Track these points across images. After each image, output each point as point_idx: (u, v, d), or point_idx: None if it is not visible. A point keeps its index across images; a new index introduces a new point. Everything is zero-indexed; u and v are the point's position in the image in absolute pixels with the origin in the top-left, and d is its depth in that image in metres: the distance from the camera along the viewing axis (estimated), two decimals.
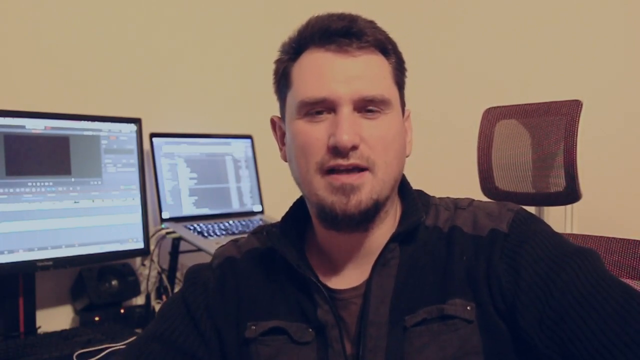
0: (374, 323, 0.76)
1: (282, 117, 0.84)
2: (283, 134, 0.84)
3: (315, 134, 0.75)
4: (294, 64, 0.80)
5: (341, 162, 0.74)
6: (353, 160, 0.74)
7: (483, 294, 0.74)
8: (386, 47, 0.79)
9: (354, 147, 0.73)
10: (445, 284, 0.76)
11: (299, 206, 0.87)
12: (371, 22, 0.79)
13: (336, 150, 0.73)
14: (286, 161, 0.84)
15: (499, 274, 0.74)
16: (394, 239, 0.78)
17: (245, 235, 0.93)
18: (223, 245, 0.92)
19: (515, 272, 0.73)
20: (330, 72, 0.76)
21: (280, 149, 0.86)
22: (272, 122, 0.88)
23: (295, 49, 0.80)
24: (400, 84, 0.82)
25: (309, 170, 0.76)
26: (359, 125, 0.75)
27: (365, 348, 0.75)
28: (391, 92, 0.78)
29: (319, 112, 0.76)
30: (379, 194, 0.75)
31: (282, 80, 0.82)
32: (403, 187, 0.85)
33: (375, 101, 0.76)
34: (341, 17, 0.78)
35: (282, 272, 0.83)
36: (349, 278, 0.81)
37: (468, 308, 0.74)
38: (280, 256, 0.82)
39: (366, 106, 0.76)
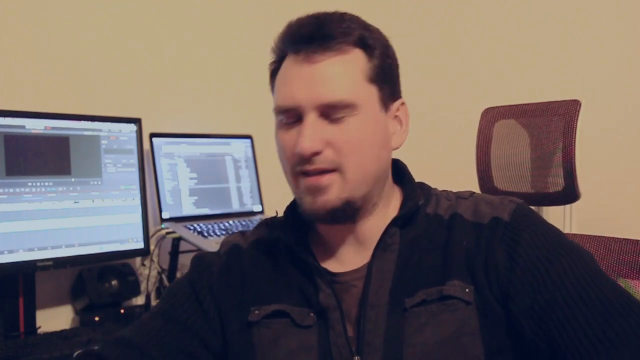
0: (374, 305, 0.78)
1: None
2: None
3: (287, 141, 0.80)
4: (279, 70, 0.83)
5: (307, 167, 0.77)
6: (317, 165, 0.77)
7: (481, 278, 0.77)
8: (363, 42, 0.79)
9: (316, 153, 0.76)
10: (445, 267, 0.79)
11: None
12: (343, 20, 0.79)
13: (300, 157, 0.77)
14: None
15: (497, 260, 0.76)
16: (394, 223, 0.81)
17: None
18: (230, 235, 0.96)
19: (511, 259, 0.76)
20: (295, 81, 0.78)
21: None
22: None
23: (278, 55, 0.83)
24: (379, 78, 0.80)
25: (287, 173, 0.82)
26: (323, 130, 0.77)
27: (365, 329, 0.77)
28: (358, 93, 0.78)
29: (291, 119, 0.79)
30: (350, 193, 0.78)
31: (271, 84, 0.86)
32: (404, 176, 0.88)
33: (338, 106, 0.77)
34: (310, 21, 0.79)
35: (286, 259, 0.86)
36: (349, 262, 0.84)
37: (467, 290, 0.77)
38: (284, 244, 0.86)
39: (329, 111, 0.77)
